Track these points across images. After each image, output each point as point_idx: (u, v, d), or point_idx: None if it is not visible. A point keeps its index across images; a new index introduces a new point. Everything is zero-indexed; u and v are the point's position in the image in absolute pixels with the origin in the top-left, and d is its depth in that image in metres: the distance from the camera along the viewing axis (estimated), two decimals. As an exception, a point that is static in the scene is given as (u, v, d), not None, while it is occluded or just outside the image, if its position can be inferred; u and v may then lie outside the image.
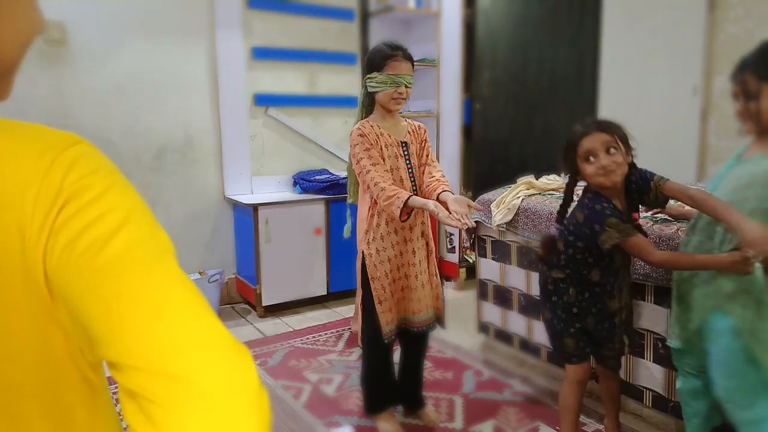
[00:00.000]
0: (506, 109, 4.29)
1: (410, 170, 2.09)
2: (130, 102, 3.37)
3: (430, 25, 4.17)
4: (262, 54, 3.75)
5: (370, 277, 2.05)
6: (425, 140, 2.18)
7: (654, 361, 2.18)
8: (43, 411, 0.53)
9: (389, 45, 2.02)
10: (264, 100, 3.79)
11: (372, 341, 2.11)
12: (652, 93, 4.32)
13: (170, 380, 0.44)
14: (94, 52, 3.23)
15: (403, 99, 2.02)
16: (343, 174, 3.93)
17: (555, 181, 2.82)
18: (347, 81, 4.13)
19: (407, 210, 1.94)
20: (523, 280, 2.71)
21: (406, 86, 2.00)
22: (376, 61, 2.01)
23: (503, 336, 2.90)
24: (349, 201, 2.27)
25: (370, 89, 2.04)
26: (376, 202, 2.03)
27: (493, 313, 2.93)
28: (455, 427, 2.26)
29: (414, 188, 2.09)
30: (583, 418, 2.28)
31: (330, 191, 3.70)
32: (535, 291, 2.66)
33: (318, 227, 3.65)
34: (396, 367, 2.29)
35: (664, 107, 4.26)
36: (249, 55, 3.71)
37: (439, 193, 2.02)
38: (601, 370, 2.04)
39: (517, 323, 2.80)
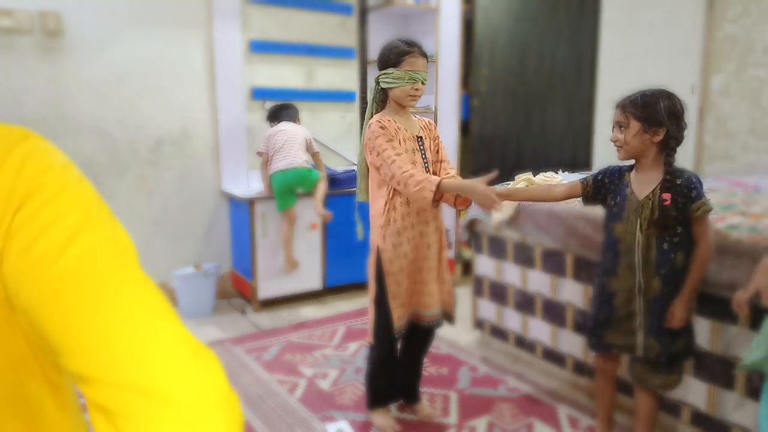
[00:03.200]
0: (504, 105, 4.29)
1: (426, 165, 2.10)
2: (127, 93, 3.35)
3: (428, 21, 4.16)
4: (260, 47, 3.73)
5: (385, 272, 2.05)
6: (437, 136, 2.21)
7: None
8: (16, 413, 0.52)
9: (405, 41, 2.02)
10: (261, 94, 3.77)
11: (382, 336, 2.11)
12: (650, 91, 4.32)
13: (138, 393, 0.43)
14: (91, 43, 3.21)
15: (418, 95, 2.04)
16: (340, 169, 3.92)
17: (553, 177, 2.82)
18: (345, 76, 4.12)
19: (438, 195, 1.90)
20: (519, 277, 2.72)
21: (422, 83, 2.01)
22: (392, 57, 2.00)
23: (499, 332, 2.91)
24: (360, 199, 2.23)
25: (384, 85, 2.03)
26: (392, 197, 2.03)
27: (488, 309, 2.93)
28: (450, 423, 2.27)
29: None
30: (575, 413, 2.30)
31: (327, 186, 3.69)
32: (532, 288, 2.67)
33: (314, 222, 3.64)
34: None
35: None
36: (247, 49, 3.69)
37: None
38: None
39: (512, 320, 2.80)
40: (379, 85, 2.05)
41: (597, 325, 1.89)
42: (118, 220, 0.54)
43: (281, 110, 3.57)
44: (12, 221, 0.46)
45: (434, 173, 2.14)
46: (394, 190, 2.02)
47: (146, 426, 0.43)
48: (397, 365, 2.23)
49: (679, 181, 1.71)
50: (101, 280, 0.47)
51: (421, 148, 2.10)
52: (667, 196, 1.70)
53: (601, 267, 1.90)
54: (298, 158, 3.40)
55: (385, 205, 2.06)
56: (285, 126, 3.47)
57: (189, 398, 0.44)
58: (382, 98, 2.09)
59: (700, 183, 1.72)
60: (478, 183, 1.89)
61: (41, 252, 0.46)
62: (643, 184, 1.77)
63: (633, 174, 1.81)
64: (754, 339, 1.60)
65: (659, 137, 1.71)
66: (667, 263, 1.75)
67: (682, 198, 1.70)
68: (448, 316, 2.22)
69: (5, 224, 0.46)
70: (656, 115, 1.70)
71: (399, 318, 2.08)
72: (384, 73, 2.02)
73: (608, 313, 1.85)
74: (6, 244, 0.46)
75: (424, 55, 2.03)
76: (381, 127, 1.99)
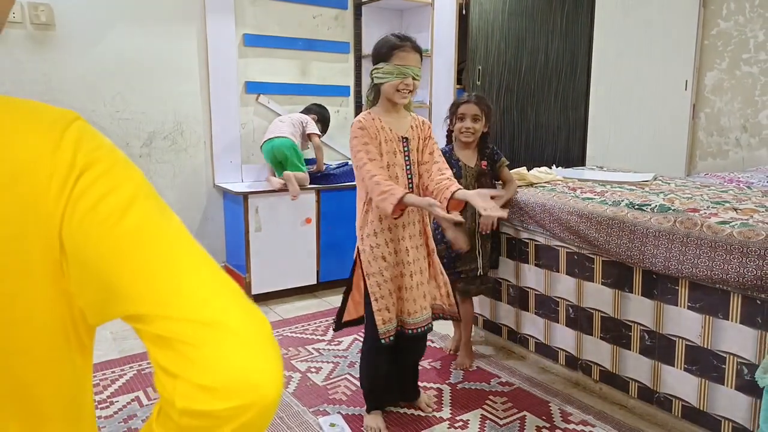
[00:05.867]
0: (498, 100, 4.29)
1: (408, 167, 2.04)
2: (120, 87, 3.32)
3: (423, 15, 4.15)
4: (254, 41, 3.71)
5: (365, 274, 2.03)
6: (429, 137, 2.13)
7: (641, 353, 2.21)
8: (56, 373, 0.57)
9: (398, 35, 1.97)
10: (255, 88, 3.76)
11: (371, 339, 2.08)
12: (644, 87, 4.33)
13: (204, 325, 0.50)
14: (83, 36, 3.18)
15: (409, 91, 1.97)
16: (334, 164, 3.92)
17: (547, 173, 2.83)
18: (339, 70, 4.10)
19: (401, 207, 1.90)
20: (513, 273, 2.72)
21: (414, 78, 1.95)
22: (383, 51, 1.95)
23: (492, 327, 2.92)
24: None
25: (375, 80, 1.98)
26: (370, 198, 1.99)
27: (482, 304, 2.94)
28: (443, 417, 2.28)
29: (410, 186, 2.05)
30: (569, 408, 2.31)
31: (321, 181, 3.69)
32: (525, 283, 2.68)
33: (308, 217, 3.64)
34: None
35: (656, 101, 4.28)
36: (240, 42, 3.67)
37: (454, 192, 1.96)
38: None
39: (506, 315, 2.81)
40: (372, 80, 2.03)
41: (452, 259, 2.53)
42: None
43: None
44: (73, 189, 0.52)
45: (419, 175, 2.09)
46: None
47: (209, 349, 0.49)
48: (387, 370, 2.16)
49: (487, 151, 2.55)
50: (163, 236, 0.55)
51: (406, 149, 2.04)
52: (484, 163, 2.55)
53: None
54: (280, 131, 3.54)
55: (364, 206, 2.03)
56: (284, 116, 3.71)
57: (246, 328, 0.51)
58: (375, 95, 2.05)
59: (499, 151, 2.59)
60: (433, 201, 1.88)
61: (106, 212, 0.52)
62: (469, 159, 2.52)
63: (457, 152, 2.52)
64: (764, 359, 1.58)
65: (487, 128, 2.51)
66: None
67: (491, 161, 2.56)
68: (453, 317, 2.24)
69: (67, 192, 0.52)
70: (490, 112, 2.49)
71: (384, 322, 2.01)
72: (375, 68, 1.98)
73: (457, 250, 2.42)
74: (67, 208, 0.52)
75: (417, 50, 1.97)
76: (360, 128, 1.95)
